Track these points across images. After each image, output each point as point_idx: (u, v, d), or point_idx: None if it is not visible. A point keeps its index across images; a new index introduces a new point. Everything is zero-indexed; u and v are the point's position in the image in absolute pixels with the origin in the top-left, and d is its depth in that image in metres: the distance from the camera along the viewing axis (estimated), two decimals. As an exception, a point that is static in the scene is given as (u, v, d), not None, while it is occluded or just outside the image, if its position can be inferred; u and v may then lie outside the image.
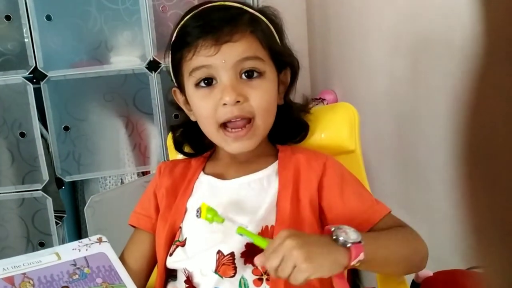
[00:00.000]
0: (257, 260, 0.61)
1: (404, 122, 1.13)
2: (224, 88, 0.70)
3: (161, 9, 1.47)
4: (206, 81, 0.72)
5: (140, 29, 1.46)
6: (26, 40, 1.42)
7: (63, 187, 1.55)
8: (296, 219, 0.70)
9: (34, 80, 1.43)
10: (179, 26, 0.75)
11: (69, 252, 0.68)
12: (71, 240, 1.54)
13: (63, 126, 1.48)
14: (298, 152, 0.77)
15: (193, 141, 0.83)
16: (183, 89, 0.77)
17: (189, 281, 0.70)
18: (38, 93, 1.43)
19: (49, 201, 1.48)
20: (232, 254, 0.68)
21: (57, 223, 1.51)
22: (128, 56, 1.50)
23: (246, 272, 0.68)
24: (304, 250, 0.57)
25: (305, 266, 0.56)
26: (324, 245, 0.59)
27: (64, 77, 1.45)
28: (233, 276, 0.67)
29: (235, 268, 0.67)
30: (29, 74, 1.43)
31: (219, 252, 0.68)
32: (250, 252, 0.67)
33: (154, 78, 1.48)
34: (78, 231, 1.69)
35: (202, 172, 0.79)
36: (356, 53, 1.38)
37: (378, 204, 0.73)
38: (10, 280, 0.62)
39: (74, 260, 0.66)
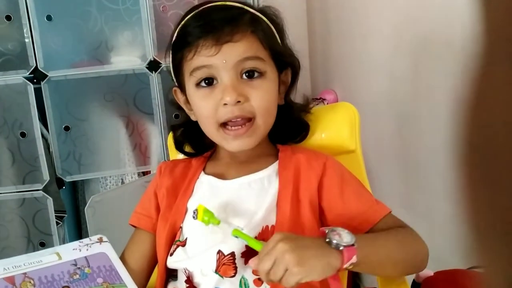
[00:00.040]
0: (252, 262, 0.62)
1: (404, 122, 1.13)
2: (225, 88, 0.70)
3: (162, 9, 1.47)
4: (206, 81, 0.72)
5: (140, 29, 1.46)
6: (26, 40, 1.42)
7: (64, 187, 1.55)
8: (296, 219, 0.70)
9: (35, 80, 1.43)
10: (179, 25, 0.75)
11: (70, 252, 0.68)
12: (71, 240, 1.54)
13: (63, 126, 1.48)
14: (299, 152, 0.77)
15: (193, 141, 0.83)
16: (184, 88, 0.77)
17: (189, 281, 0.70)
18: (38, 93, 1.43)
19: (50, 201, 1.48)
20: (232, 254, 0.68)
21: (57, 223, 1.51)
22: (129, 56, 1.50)
23: (247, 272, 0.68)
24: (296, 254, 0.57)
25: (296, 270, 0.57)
26: (317, 248, 0.60)
27: (65, 77, 1.45)
28: (233, 276, 0.67)
29: (235, 268, 0.67)
30: (29, 74, 1.43)
31: (219, 252, 0.68)
32: (251, 252, 0.67)
33: (154, 78, 1.48)
34: (79, 231, 1.69)
35: (202, 172, 0.79)
36: (356, 53, 1.37)
37: (378, 205, 0.73)
38: (11, 280, 0.62)
39: (74, 260, 0.66)
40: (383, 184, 1.20)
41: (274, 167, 0.76)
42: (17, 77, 1.42)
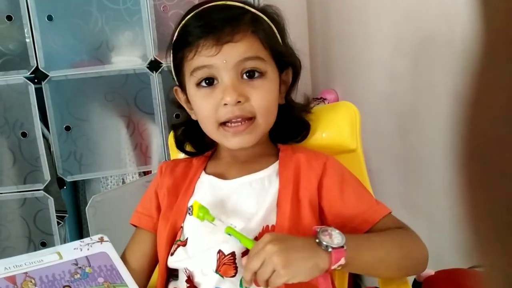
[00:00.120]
0: (244, 260, 0.63)
1: (405, 122, 1.13)
2: (225, 89, 0.71)
3: (162, 9, 1.47)
4: (207, 81, 0.72)
5: (141, 29, 1.46)
6: (27, 40, 1.42)
7: (65, 187, 1.55)
8: (296, 219, 0.70)
9: (36, 80, 1.43)
10: (180, 25, 0.75)
11: (71, 251, 0.68)
12: (72, 239, 1.54)
13: (64, 126, 1.48)
14: (299, 152, 0.77)
15: (194, 140, 0.83)
16: (184, 88, 0.77)
17: (190, 280, 0.70)
18: (39, 93, 1.44)
19: (51, 201, 1.48)
20: (233, 254, 0.68)
21: (58, 223, 1.52)
22: (129, 56, 1.50)
23: (247, 272, 0.68)
24: (283, 255, 0.59)
25: (283, 272, 0.58)
26: (305, 250, 0.60)
27: (66, 77, 1.45)
28: (234, 276, 0.67)
29: (235, 268, 0.67)
30: (30, 74, 1.43)
31: (220, 251, 0.68)
32: (251, 252, 0.67)
33: (155, 78, 1.48)
34: (80, 231, 1.69)
35: (203, 172, 0.79)
36: (357, 52, 1.37)
37: (378, 205, 0.73)
38: (12, 279, 0.62)
39: (75, 260, 0.66)
40: (383, 183, 1.20)
41: (274, 167, 0.76)
42: (18, 77, 1.42)
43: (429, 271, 0.72)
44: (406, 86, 1.09)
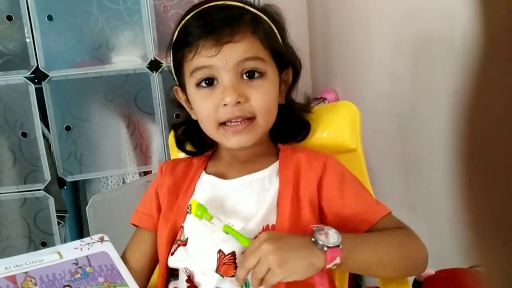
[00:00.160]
0: (240, 257, 0.64)
1: (405, 121, 1.13)
2: (225, 89, 0.71)
3: (162, 8, 1.47)
4: (207, 81, 0.72)
5: (141, 29, 1.46)
6: (27, 40, 1.42)
7: (65, 187, 1.55)
8: (296, 218, 0.70)
9: (36, 80, 1.43)
10: (180, 25, 0.75)
11: (71, 251, 0.68)
12: (73, 239, 1.54)
13: (64, 126, 1.48)
14: (299, 151, 0.77)
15: (194, 139, 0.83)
16: (184, 88, 0.77)
17: (190, 280, 0.70)
18: (39, 93, 1.44)
19: (51, 201, 1.48)
20: (233, 254, 0.68)
21: (59, 223, 1.52)
22: (129, 56, 1.50)
23: (248, 272, 0.68)
24: (279, 254, 0.59)
25: (278, 271, 0.59)
26: (301, 249, 0.61)
27: (66, 77, 1.45)
28: (234, 276, 0.67)
29: (236, 268, 0.67)
30: (30, 74, 1.43)
31: (220, 251, 0.68)
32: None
33: (155, 78, 1.48)
34: (80, 231, 1.69)
35: (204, 172, 0.79)
36: (357, 52, 1.38)
37: (378, 205, 0.73)
38: (12, 279, 0.62)
39: (76, 259, 0.67)
40: (383, 183, 1.20)
41: (274, 167, 0.76)
42: (18, 77, 1.42)
43: (430, 270, 0.72)
44: (406, 86, 1.09)
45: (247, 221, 0.70)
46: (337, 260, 0.61)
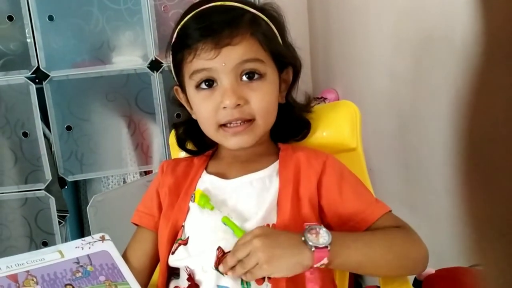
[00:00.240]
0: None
1: (405, 121, 1.13)
2: (225, 92, 0.71)
3: (163, 9, 1.47)
4: (207, 83, 0.73)
5: (142, 29, 1.46)
6: (28, 40, 1.42)
7: (66, 187, 1.55)
8: (296, 217, 0.70)
9: (37, 80, 1.44)
10: (179, 26, 0.75)
11: (72, 250, 0.68)
12: (73, 239, 1.54)
13: (65, 126, 1.49)
14: (299, 151, 0.77)
15: (195, 138, 0.84)
16: (184, 88, 0.77)
17: (191, 278, 0.70)
18: (40, 93, 1.44)
19: (52, 201, 1.48)
20: (232, 252, 0.68)
21: (60, 223, 1.52)
22: (130, 56, 1.50)
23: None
24: (268, 252, 0.61)
25: (265, 267, 0.62)
26: (290, 248, 0.62)
27: (67, 77, 1.46)
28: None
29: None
30: (31, 74, 1.43)
31: (219, 248, 0.68)
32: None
33: (156, 78, 1.48)
34: (81, 231, 1.69)
35: (204, 171, 0.79)
36: (357, 52, 1.38)
37: (378, 203, 0.73)
38: (13, 277, 0.62)
39: (77, 258, 0.67)
40: (384, 182, 1.20)
41: (275, 166, 0.76)
42: (19, 77, 1.43)
43: (430, 269, 0.72)
44: (406, 86, 1.09)
45: (248, 220, 0.70)
46: (325, 260, 0.62)
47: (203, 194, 0.72)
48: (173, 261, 0.73)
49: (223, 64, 0.70)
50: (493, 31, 0.21)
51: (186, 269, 0.71)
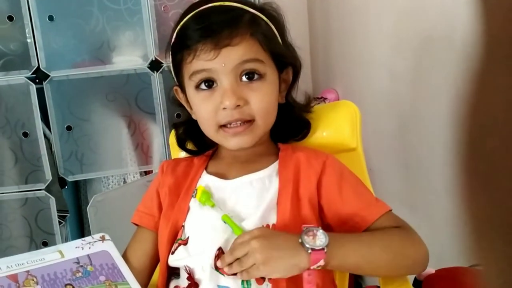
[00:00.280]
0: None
1: (405, 121, 1.13)
2: (224, 92, 0.71)
3: (163, 9, 1.47)
4: (206, 83, 0.73)
5: (142, 29, 1.46)
6: (28, 40, 1.42)
7: (66, 187, 1.55)
8: (296, 217, 0.70)
9: (37, 80, 1.44)
10: (179, 26, 0.75)
11: (72, 250, 0.68)
12: (74, 239, 1.54)
13: (65, 126, 1.49)
14: (299, 151, 0.77)
15: (195, 138, 0.84)
16: (184, 88, 0.77)
17: (191, 277, 0.70)
18: (40, 93, 1.44)
19: (52, 201, 1.49)
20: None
21: (60, 223, 1.52)
22: (130, 56, 1.50)
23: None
24: (265, 253, 0.62)
25: (262, 268, 0.62)
26: (287, 249, 0.63)
27: (67, 77, 1.46)
28: (235, 274, 0.67)
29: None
30: (31, 74, 1.43)
31: (219, 249, 0.68)
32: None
33: (156, 78, 1.49)
34: (81, 231, 1.69)
35: (204, 171, 0.79)
36: (357, 52, 1.38)
37: (378, 203, 0.73)
38: (14, 277, 0.62)
39: (77, 258, 0.67)
40: (384, 182, 1.20)
41: (274, 166, 0.76)
42: (19, 77, 1.43)
43: (430, 269, 0.72)
44: (406, 86, 1.09)
45: (248, 220, 0.70)
46: (321, 262, 0.62)
47: (205, 191, 0.73)
48: (173, 261, 0.73)
49: (223, 65, 0.70)
50: (493, 31, 0.21)
51: (186, 268, 0.71)
